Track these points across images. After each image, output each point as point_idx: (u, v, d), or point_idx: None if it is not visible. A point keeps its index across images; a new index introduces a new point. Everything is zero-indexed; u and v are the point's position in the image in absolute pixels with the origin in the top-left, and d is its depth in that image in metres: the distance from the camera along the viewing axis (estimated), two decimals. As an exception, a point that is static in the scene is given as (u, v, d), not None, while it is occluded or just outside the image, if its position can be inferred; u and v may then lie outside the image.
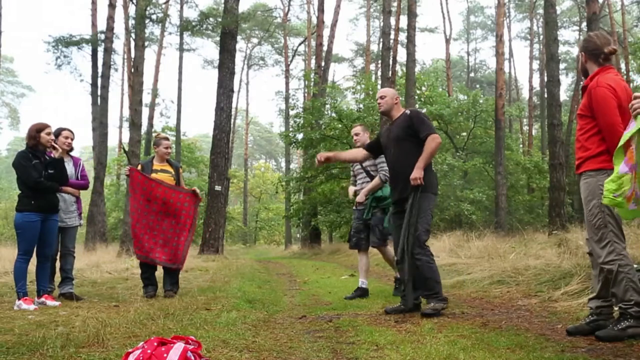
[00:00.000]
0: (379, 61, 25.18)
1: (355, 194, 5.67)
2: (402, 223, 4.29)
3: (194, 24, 18.80)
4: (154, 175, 5.68)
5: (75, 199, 5.75)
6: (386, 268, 8.20)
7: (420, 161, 4.22)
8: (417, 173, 4.18)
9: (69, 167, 5.71)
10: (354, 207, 5.79)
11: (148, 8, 16.45)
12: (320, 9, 24.90)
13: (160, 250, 5.59)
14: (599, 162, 3.17)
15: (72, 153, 5.84)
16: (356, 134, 5.66)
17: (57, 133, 5.57)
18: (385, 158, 4.73)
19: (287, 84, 36.26)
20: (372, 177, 5.53)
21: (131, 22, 20.37)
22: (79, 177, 5.77)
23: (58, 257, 5.69)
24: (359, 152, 4.94)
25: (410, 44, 17.03)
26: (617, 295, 3.10)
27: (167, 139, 6.00)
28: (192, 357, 2.37)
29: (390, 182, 4.70)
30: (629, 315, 3.04)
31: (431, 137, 4.26)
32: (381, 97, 4.58)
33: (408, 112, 4.50)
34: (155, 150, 5.87)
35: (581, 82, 3.53)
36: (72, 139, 5.66)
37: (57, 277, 5.76)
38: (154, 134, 23.05)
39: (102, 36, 19.53)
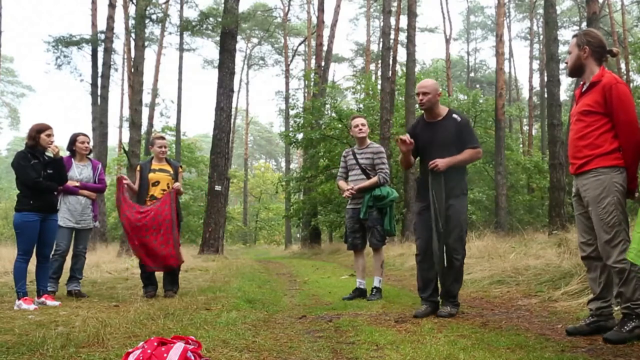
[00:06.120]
0: (379, 61, 25.15)
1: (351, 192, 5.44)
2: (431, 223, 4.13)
3: (194, 24, 18.80)
4: (152, 175, 5.67)
5: (91, 202, 5.82)
6: (386, 268, 8.18)
7: (454, 158, 4.12)
8: (442, 162, 4.07)
9: (87, 171, 5.78)
10: (347, 206, 5.67)
11: (148, 8, 16.44)
12: (320, 9, 24.90)
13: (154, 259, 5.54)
14: (612, 160, 3.12)
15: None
16: (362, 125, 5.49)
17: (73, 139, 5.76)
18: (422, 157, 4.38)
19: (287, 84, 36.29)
20: (367, 175, 5.42)
21: (131, 22, 20.36)
22: (97, 180, 5.88)
23: (69, 257, 5.73)
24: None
25: (410, 44, 17.03)
26: (624, 294, 3.06)
27: (162, 138, 5.96)
28: (192, 357, 2.36)
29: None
30: (635, 315, 3.02)
31: (477, 150, 4.23)
32: (423, 93, 4.21)
33: (459, 118, 4.24)
34: (151, 150, 5.89)
35: (581, 82, 3.48)
36: (88, 143, 5.79)
37: (63, 278, 5.78)
38: (154, 134, 23.03)
39: (102, 36, 19.54)
